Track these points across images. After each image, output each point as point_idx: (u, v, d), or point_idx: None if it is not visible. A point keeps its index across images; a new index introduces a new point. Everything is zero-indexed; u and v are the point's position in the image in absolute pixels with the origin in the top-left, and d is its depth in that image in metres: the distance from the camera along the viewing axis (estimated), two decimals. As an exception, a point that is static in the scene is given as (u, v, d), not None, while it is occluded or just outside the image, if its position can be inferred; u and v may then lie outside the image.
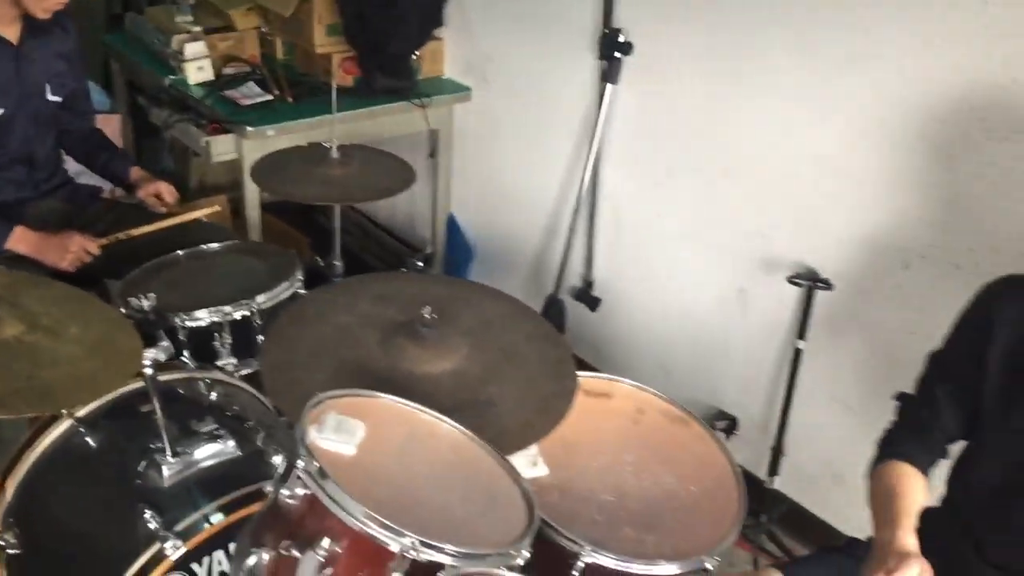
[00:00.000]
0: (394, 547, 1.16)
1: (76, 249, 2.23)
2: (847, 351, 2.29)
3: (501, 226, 3.27)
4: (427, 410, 1.44)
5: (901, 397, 1.64)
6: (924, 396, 1.59)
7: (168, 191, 2.45)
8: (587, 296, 2.94)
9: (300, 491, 1.21)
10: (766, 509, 2.45)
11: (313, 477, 1.19)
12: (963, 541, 1.52)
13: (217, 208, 2.56)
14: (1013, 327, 1.43)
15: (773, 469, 2.45)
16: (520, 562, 1.25)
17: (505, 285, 3.21)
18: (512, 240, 3.22)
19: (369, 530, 1.16)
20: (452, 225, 3.44)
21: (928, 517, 1.64)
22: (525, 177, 3.08)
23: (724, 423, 2.62)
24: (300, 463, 1.21)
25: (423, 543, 1.16)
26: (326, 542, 1.16)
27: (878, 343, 2.21)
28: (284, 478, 1.23)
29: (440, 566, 1.17)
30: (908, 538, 1.41)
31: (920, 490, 1.52)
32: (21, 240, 2.22)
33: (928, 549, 1.56)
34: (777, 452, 2.44)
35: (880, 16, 2.00)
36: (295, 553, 1.18)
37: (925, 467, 1.55)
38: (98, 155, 2.54)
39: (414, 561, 1.16)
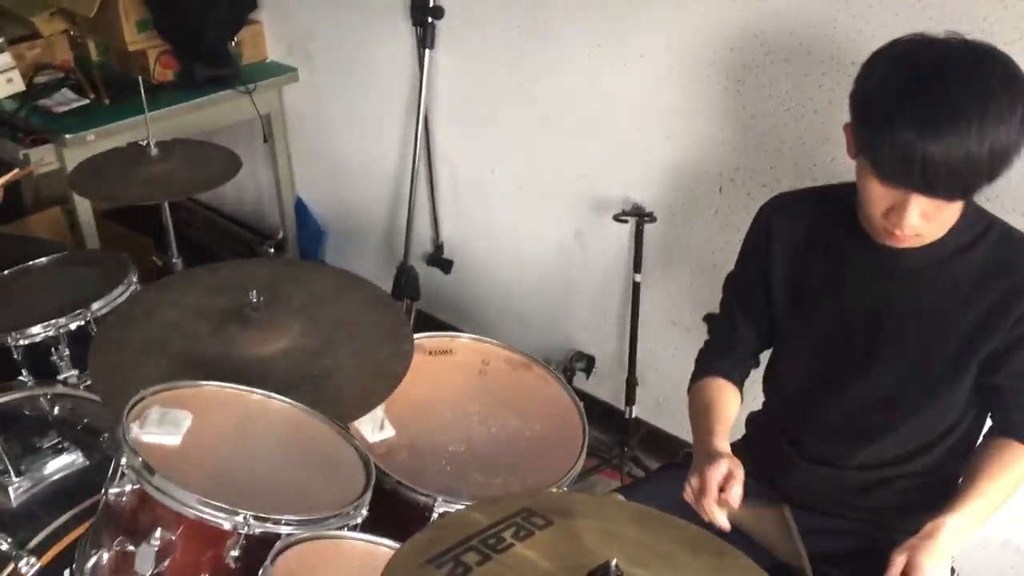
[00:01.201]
0: (227, 526, 1.20)
1: None
2: (679, 277, 2.41)
3: (349, 203, 3.28)
4: (256, 390, 1.47)
5: (707, 318, 1.76)
6: (725, 316, 1.70)
7: None
8: (439, 260, 2.98)
9: (128, 487, 1.23)
10: (629, 438, 2.57)
11: (137, 471, 1.21)
12: (782, 439, 1.63)
13: (18, 172, 2.48)
14: (789, 241, 1.54)
15: (630, 399, 2.56)
16: (359, 521, 1.30)
17: (360, 260, 3.25)
18: (361, 215, 3.23)
19: (199, 513, 1.19)
20: (301, 208, 3.43)
21: (753, 421, 1.78)
22: (363, 150, 3.10)
23: (583, 363, 2.72)
24: (124, 460, 1.22)
25: (256, 517, 1.20)
26: (159, 532, 1.19)
27: (705, 265, 2.33)
28: (111, 479, 1.25)
29: (278, 537, 1.21)
30: (718, 442, 1.52)
31: (731, 398, 1.63)
32: None
33: (756, 450, 1.70)
34: (631, 382, 2.55)
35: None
36: (130, 548, 1.21)
37: (736, 378, 1.66)
38: None
39: (249, 535, 1.20)
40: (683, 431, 2.53)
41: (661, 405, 2.59)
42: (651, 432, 2.60)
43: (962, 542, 1.35)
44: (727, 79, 2.10)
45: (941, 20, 1.69)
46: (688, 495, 1.46)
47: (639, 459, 2.55)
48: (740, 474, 1.45)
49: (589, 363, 2.72)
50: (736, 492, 1.42)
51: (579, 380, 2.73)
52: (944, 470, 1.54)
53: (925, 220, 1.29)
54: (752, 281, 1.62)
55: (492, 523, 0.89)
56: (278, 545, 1.17)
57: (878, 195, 1.30)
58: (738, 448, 1.61)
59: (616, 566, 0.78)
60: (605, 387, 2.71)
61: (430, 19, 2.60)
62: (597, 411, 2.72)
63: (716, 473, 1.43)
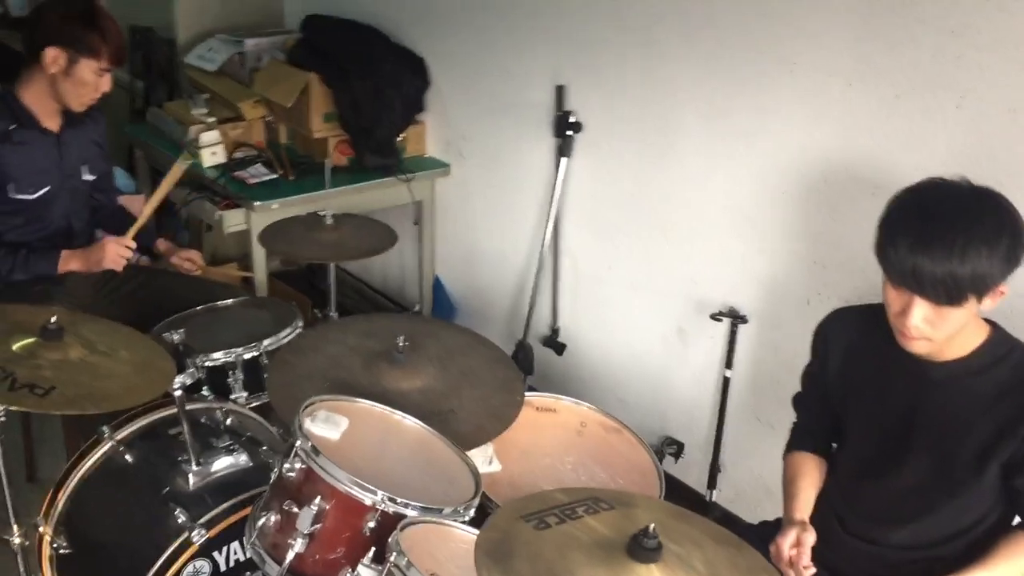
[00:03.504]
0: (368, 501, 1.55)
1: (112, 250, 2.64)
2: (766, 377, 2.68)
3: (479, 284, 3.69)
4: (397, 412, 1.83)
5: (795, 399, 2.06)
6: (805, 402, 2.01)
7: (198, 256, 2.90)
8: (554, 342, 3.33)
9: (298, 465, 1.60)
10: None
11: (307, 452, 1.59)
12: (829, 516, 1.89)
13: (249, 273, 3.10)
14: (841, 350, 1.86)
15: (711, 483, 2.82)
16: (467, 519, 1.63)
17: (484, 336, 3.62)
18: (489, 296, 3.63)
19: (348, 489, 1.55)
20: (437, 285, 3.86)
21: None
22: (498, 240, 3.51)
23: (673, 448, 2.99)
24: (298, 443, 1.60)
25: (390, 499, 1.55)
26: (318, 499, 1.56)
27: (791, 369, 2.56)
28: (286, 456, 1.62)
29: (403, 517, 1.55)
30: (796, 512, 1.83)
31: (814, 469, 1.93)
32: (69, 260, 2.65)
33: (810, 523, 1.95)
34: (714, 469, 2.81)
35: (771, 97, 2.45)
36: (295, 509, 1.57)
37: (820, 451, 1.96)
38: (126, 228, 2.96)
39: (384, 512, 1.55)
40: (756, 519, 2.78)
41: (741, 494, 2.83)
42: (725, 515, 2.83)
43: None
44: (822, 205, 2.41)
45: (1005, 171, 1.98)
46: (773, 556, 1.76)
47: (715, 540, 2.79)
48: (808, 540, 1.73)
49: (679, 449, 2.99)
50: (804, 559, 1.71)
51: (668, 463, 3.00)
52: (970, 558, 1.73)
53: (929, 325, 1.57)
54: (817, 379, 1.93)
55: (570, 501, 1.21)
56: (405, 521, 1.51)
57: (892, 299, 1.61)
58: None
59: (653, 528, 1.09)
60: (692, 473, 2.97)
61: (570, 132, 3.02)
62: (681, 494, 2.98)
63: (785, 541, 1.74)
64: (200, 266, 2.92)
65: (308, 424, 1.66)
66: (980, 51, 2.02)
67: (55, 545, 2.09)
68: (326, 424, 1.67)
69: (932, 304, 1.55)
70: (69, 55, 2.52)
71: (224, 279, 3.20)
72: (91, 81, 2.57)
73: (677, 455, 2.99)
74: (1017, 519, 1.75)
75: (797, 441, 2.01)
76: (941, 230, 1.52)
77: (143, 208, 2.79)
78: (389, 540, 1.45)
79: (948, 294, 1.52)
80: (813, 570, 1.74)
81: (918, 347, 1.63)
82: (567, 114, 3.01)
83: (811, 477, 1.91)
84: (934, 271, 1.51)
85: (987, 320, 1.71)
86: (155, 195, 2.73)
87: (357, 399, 1.82)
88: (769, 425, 2.69)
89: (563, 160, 3.06)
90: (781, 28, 2.39)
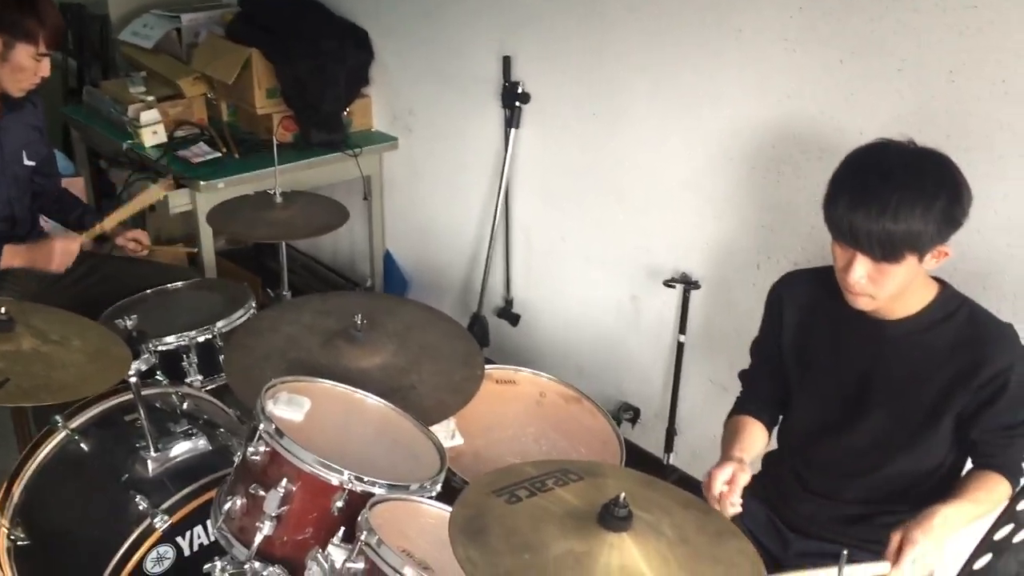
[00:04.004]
0: (335, 481, 1.56)
1: (59, 249, 2.59)
2: (719, 341, 2.73)
3: (431, 257, 3.68)
4: (359, 391, 1.83)
5: (741, 375, 2.09)
6: (752, 374, 2.04)
7: (144, 236, 2.84)
8: (508, 313, 3.35)
9: (262, 448, 1.60)
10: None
11: (272, 435, 1.58)
12: (789, 476, 1.94)
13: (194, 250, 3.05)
14: (796, 311, 1.89)
15: (668, 447, 2.87)
16: (433, 494, 1.64)
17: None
18: (442, 269, 3.63)
19: (315, 470, 1.55)
20: (388, 260, 3.85)
21: (767, 461, 2.09)
22: (449, 212, 3.51)
23: (629, 413, 3.04)
24: (262, 426, 1.59)
25: (356, 478, 1.56)
26: (284, 482, 1.55)
27: (742, 332, 2.63)
28: (249, 440, 1.62)
29: (371, 495, 1.56)
30: (734, 451, 1.83)
31: (756, 430, 1.94)
32: (13, 256, 2.59)
33: (768, 483, 2.00)
34: (670, 432, 2.86)
35: (717, 64, 2.47)
36: (261, 493, 1.57)
37: (764, 418, 1.99)
38: (71, 211, 2.90)
39: (351, 491, 1.56)
40: (715, 479, 2.85)
41: (697, 455, 2.88)
42: (683, 478, 2.89)
43: (952, 531, 1.58)
44: (767, 170, 2.45)
45: (964, 133, 2.03)
46: (704, 486, 1.75)
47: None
48: (742, 479, 1.72)
49: (635, 414, 3.03)
50: (734, 496, 1.69)
51: (625, 429, 3.04)
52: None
53: (871, 282, 1.63)
54: (770, 345, 1.96)
55: (539, 473, 1.23)
56: (374, 499, 1.52)
57: (838, 255, 1.67)
58: (755, 481, 1.91)
59: (623, 498, 1.11)
60: (648, 437, 3.02)
61: (518, 103, 3.02)
62: (639, 458, 3.03)
63: (720, 473, 1.71)
64: (146, 246, 2.87)
65: (271, 406, 1.65)
66: (919, 15, 2.05)
67: (12, 537, 2.06)
68: (289, 406, 1.67)
69: (872, 260, 1.60)
70: (5, 40, 2.45)
71: (170, 259, 3.14)
72: (29, 66, 2.51)
73: (634, 420, 3.04)
74: (969, 465, 1.80)
75: (741, 407, 2.02)
76: (878, 188, 1.58)
77: (101, 214, 2.78)
78: (359, 519, 1.46)
79: (884, 250, 1.58)
80: (739, 509, 1.70)
81: (863, 303, 1.68)
82: (515, 85, 3.01)
83: (754, 433, 1.93)
84: (869, 228, 1.56)
85: (936, 279, 1.76)
86: (122, 210, 2.74)
87: (318, 379, 1.81)
88: (722, 387, 2.75)
89: (512, 131, 3.06)
90: (725, -5, 2.41)
